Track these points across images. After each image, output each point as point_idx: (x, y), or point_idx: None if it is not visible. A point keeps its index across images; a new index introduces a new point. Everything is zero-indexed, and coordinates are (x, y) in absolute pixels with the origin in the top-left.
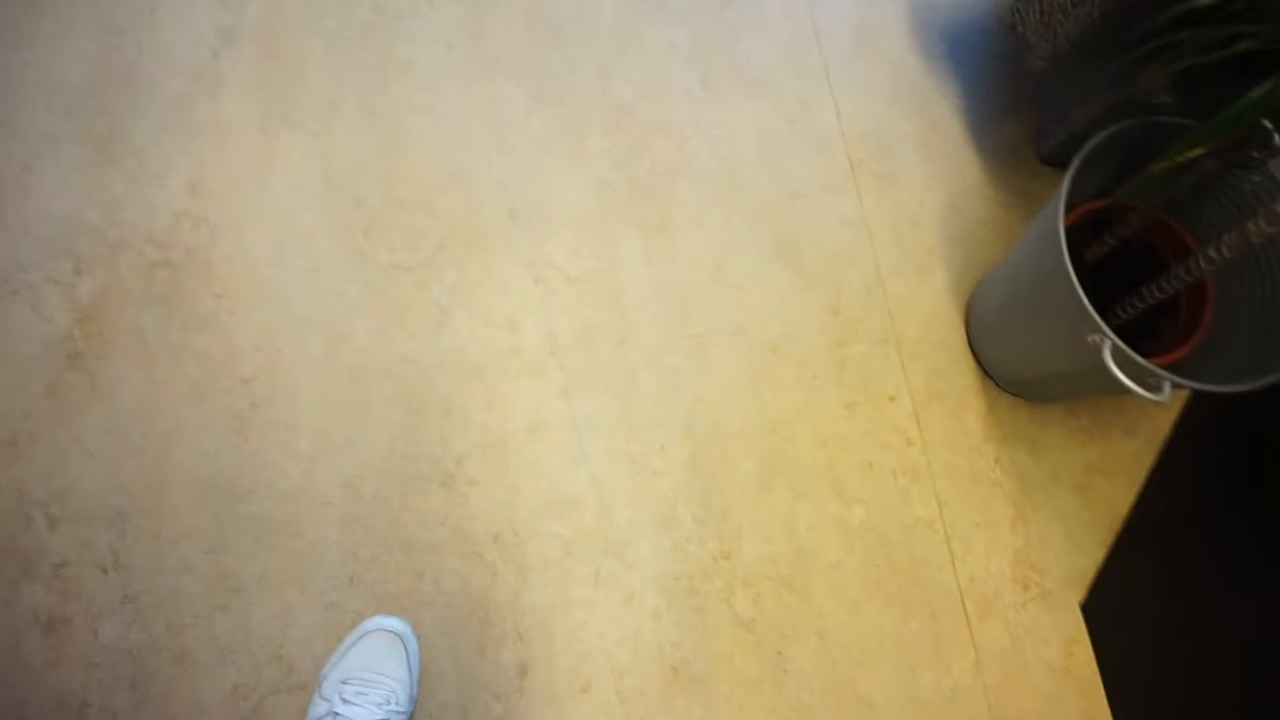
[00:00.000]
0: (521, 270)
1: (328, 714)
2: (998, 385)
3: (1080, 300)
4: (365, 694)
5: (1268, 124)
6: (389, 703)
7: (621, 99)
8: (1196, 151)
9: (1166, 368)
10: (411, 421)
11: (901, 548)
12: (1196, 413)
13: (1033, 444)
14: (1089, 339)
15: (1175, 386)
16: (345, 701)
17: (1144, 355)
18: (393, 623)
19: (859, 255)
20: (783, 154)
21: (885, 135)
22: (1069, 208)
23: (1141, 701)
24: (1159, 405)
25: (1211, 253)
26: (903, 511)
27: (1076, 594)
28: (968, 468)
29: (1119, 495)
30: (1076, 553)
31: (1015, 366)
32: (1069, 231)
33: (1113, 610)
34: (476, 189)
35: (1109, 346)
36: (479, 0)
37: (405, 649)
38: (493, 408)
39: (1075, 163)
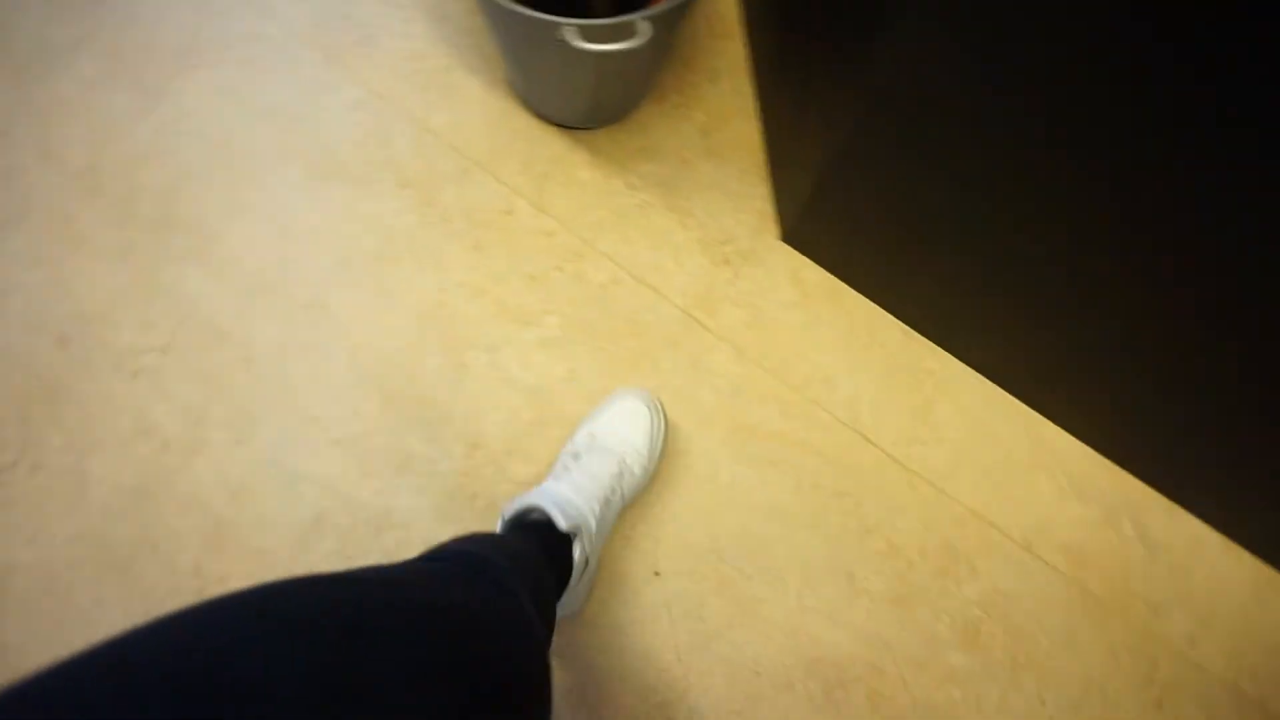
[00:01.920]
0: None
1: (571, 455)
2: (580, 130)
3: (518, 12)
4: (608, 448)
5: None
6: (625, 461)
7: None
8: None
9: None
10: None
11: (613, 319)
12: (753, 25)
13: (646, 150)
14: (567, 41)
15: (650, 20)
16: (590, 450)
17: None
18: (645, 396)
19: (386, 125)
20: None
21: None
22: None
23: (863, 271)
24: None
25: None
26: (589, 291)
27: (772, 234)
28: (612, 211)
29: (743, 132)
30: (747, 202)
31: (573, 107)
32: None
33: (809, 220)
34: None
35: (573, 34)
36: None
37: (651, 420)
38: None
39: None
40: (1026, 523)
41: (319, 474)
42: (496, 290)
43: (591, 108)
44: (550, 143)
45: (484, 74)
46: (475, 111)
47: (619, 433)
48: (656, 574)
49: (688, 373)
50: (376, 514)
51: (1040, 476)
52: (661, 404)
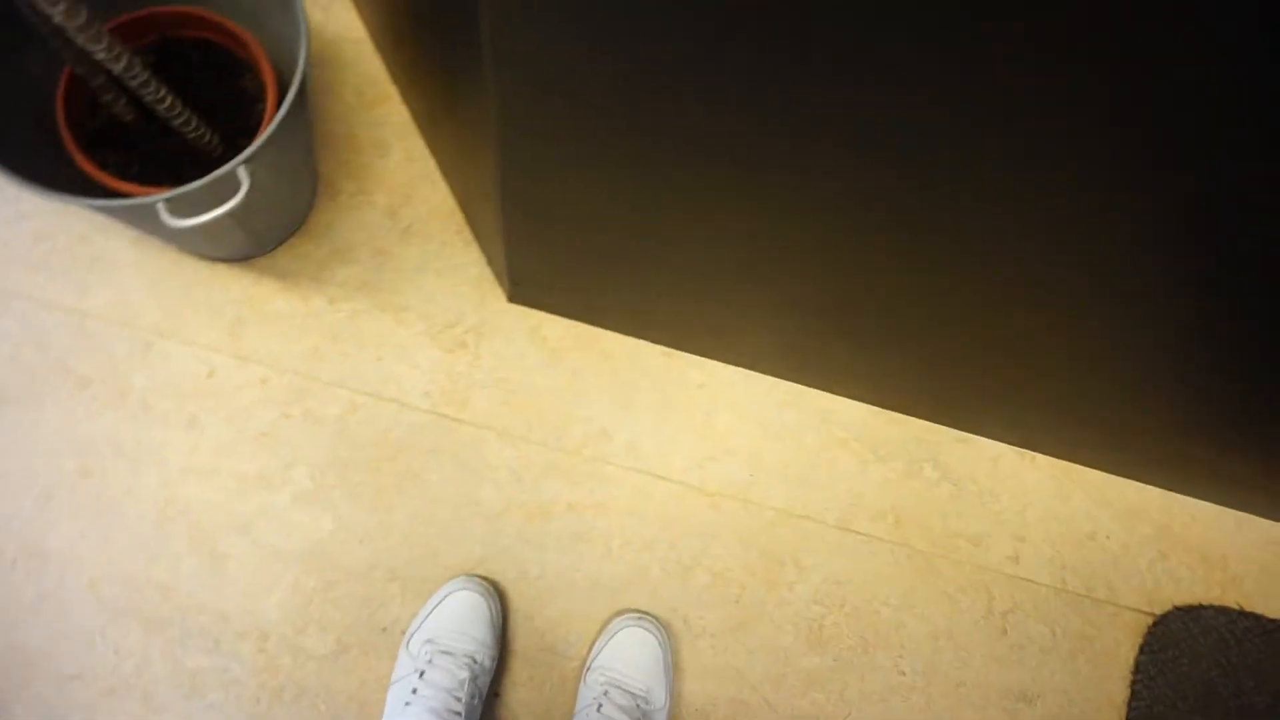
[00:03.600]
0: None
1: (414, 672)
2: (257, 258)
3: (95, 204)
4: (450, 654)
5: None
6: (474, 663)
7: None
8: None
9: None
10: None
11: (363, 449)
12: (401, 79)
13: (337, 254)
14: (161, 219)
15: (251, 164)
16: (430, 662)
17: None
18: (476, 583)
19: (37, 326)
20: None
21: None
22: None
23: (601, 306)
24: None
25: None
26: (327, 427)
27: (499, 298)
28: (322, 334)
29: (433, 200)
30: (462, 274)
31: (230, 247)
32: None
33: (529, 272)
34: None
35: (164, 211)
36: None
37: (488, 605)
38: None
39: None
40: (837, 503)
41: None
42: (228, 463)
43: (251, 241)
44: (229, 284)
45: (126, 231)
46: (133, 277)
47: (458, 630)
48: (496, 695)
49: (460, 477)
50: None
51: (837, 452)
52: (491, 581)
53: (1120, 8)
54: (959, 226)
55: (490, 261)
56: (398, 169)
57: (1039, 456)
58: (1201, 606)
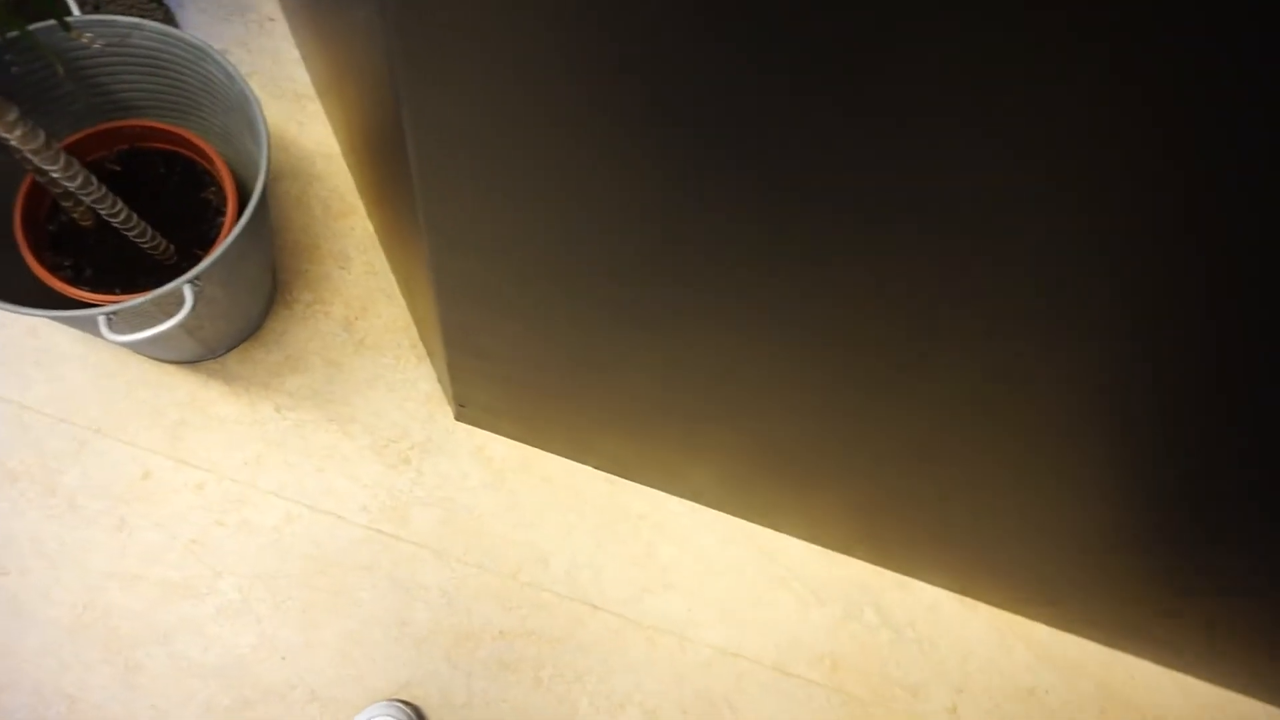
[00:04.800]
0: None
1: None
2: (206, 361)
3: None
4: None
5: None
6: None
7: None
8: None
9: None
10: None
11: (295, 562)
12: (368, 194)
13: (288, 362)
14: (101, 332)
15: (197, 283)
16: None
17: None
18: (397, 709)
19: None
20: None
21: None
22: None
23: (547, 430)
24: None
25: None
26: (261, 538)
27: (446, 416)
28: (266, 442)
29: (389, 314)
30: (411, 390)
31: (180, 351)
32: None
33: (478, 391)
34: None
35: (104, 325)
36: None
37: None
38: None
39: None
40: (775, 643)
41: None
42: (154, 570)
43: (200, 347)
44: (176, 385)
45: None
46: (77, 372)
47: None
48: None
49: (392, 597)
50: None
51: (778, 591)
52: (414, 707)
53: None
54: (899, 380)
55: (441, 380)
56: (357, 281)
57: (980, 605)
58: None
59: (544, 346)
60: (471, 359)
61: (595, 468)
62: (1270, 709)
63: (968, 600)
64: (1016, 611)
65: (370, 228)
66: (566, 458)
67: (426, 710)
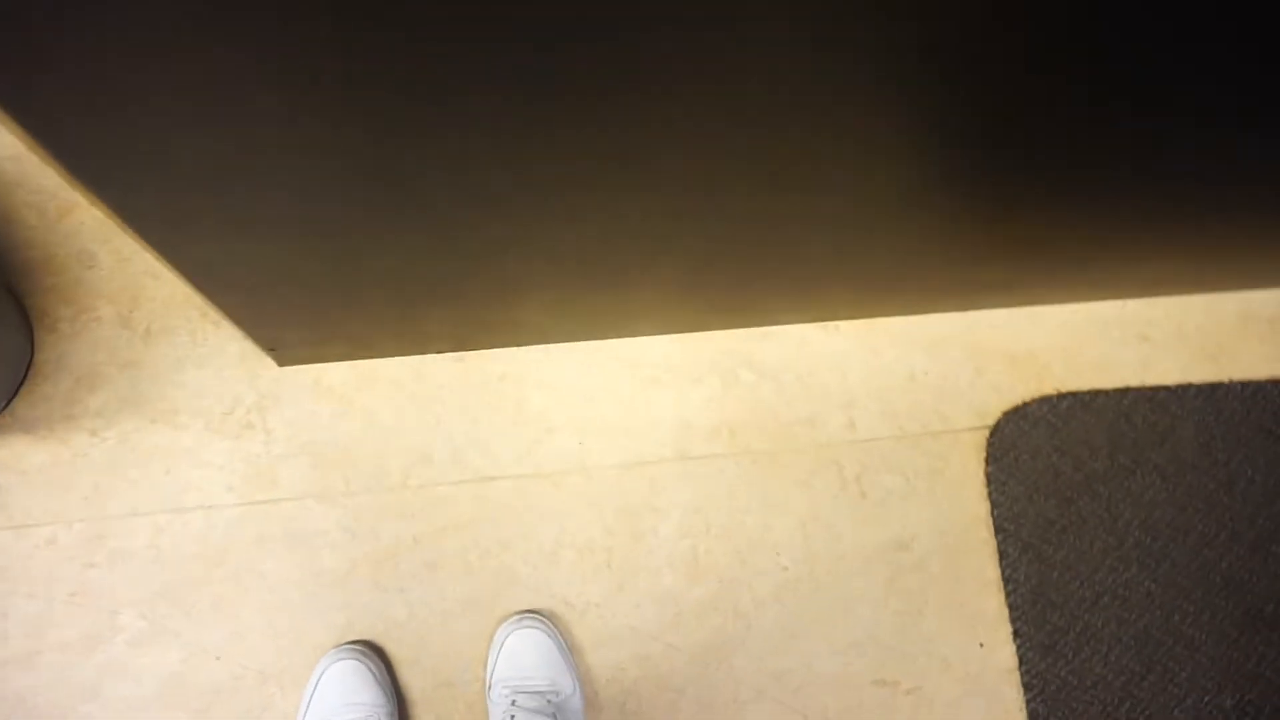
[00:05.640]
0: None
1: None
2: None
3: None
4: None
5: None
6: None
7: None
8: None
9: None
10: None
11: (184, 568)
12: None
13: (82, 383)
14: None
15: None
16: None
17: None
18: (348, 650)
19: None
20: None
21: None
22: None
23: (372, 335)
24: None
25: None
26: (141, 561)
27: (270, 366)
28: (99, 470)
29: (164, 291)
30: (220, 356)
31: None
32: None
33: (287, 327)
34: None
35: None
36: None
37: (371, 670)
38: None
39: None
40: (670, 436)
41: None
42: (48, 637)
43: None
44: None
45: None
46: None
47: (344, 701)
48: None
49: (295, 555)
50: None
51: (653, 390)
52: (364, 642)
53: None
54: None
55: (248, 332)
56: (112, 275)
57: (840, 324)
58: (1025, 404)
59: (313, 259)
60: (254, 300)
61: (437, 353)
62: (1110, 303)
63: (828, 325)
64: (872, 315)
65: (101, 214)
66: (404, 355)
67: (377, 639)
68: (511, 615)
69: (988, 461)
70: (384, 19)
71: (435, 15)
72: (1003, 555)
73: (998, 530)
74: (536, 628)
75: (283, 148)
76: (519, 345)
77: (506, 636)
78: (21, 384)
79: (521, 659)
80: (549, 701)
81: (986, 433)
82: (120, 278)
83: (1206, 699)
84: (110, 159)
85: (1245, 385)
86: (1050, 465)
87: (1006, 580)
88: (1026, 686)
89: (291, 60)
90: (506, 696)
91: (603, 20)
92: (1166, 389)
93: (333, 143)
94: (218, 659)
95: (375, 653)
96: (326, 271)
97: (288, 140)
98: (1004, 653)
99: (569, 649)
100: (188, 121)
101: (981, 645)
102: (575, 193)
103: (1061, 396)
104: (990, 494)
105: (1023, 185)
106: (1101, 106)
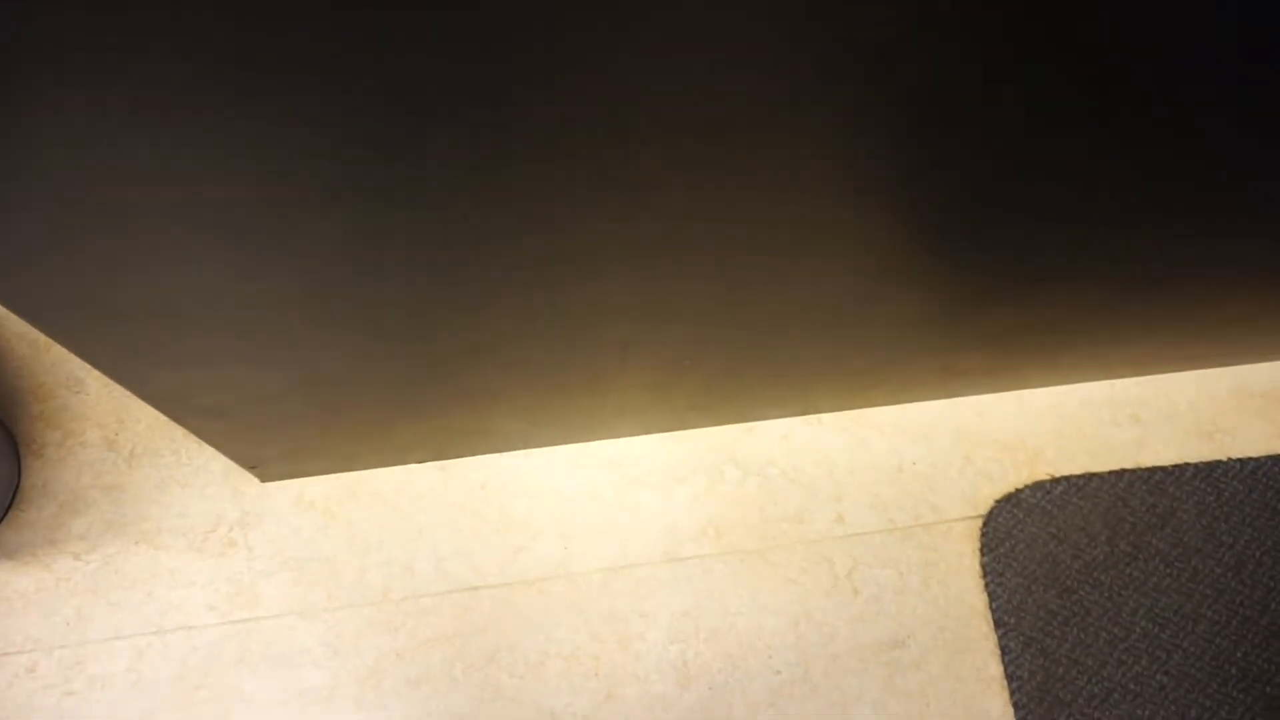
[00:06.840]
0: None
1: None
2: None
3: None
4: None
5: None
6: None
7: None
8: None
9: None
10: None
11: (161, 694)
12: None
13: (66, 507)
14: None
15: None
16: None
17: None
18: None
19: None
20: None
21: None
22: None
23: (355, 448)
24: None
25: None
26: (120, 686)
27: (252, 483)
28: (81, 594)
29: (148, 411)
30: (204, 474)
31: None
32: None
33: (267, 444)
34: None
35: None
36: None
37: None
38: None
39: None
40: (656, 538)
41: None
42: None
43: None
44: None
45: None
46: None
47: None
48: None
49: (278, 674)
50: None
51: (637, 491)
52: None
53: None
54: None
55: (230, 451)
56: (99, 399)
57: (824, 416)
58: (1017, 491)
59: (280, 383)
60: (229, 423)
61: (418, 462)
62: (1099, 384)
63: (810, 418)
64: (856, 406)
65: None
66: (385, 466)
67: None
68: None
69: (982, 552)
70: (350, 137)
71: (394, 131)
72: (1004, 650)
73: (997, 624)
74: None
75: (239, 276)
76: (500, 451)
77: None
78: (7, 511)
79: None
80: None
81: (980, 522)
82: (107, 401)
83: None
84: (58, 302)
85: (1244, 463)
86: (1048, 554)
87: (1010, 678)
88: None
89: (233, 191)
90: None
91: (569, 133)
92: (1163, 470)
93: (287, 267)
94: None
95: None
96: (296, 394)
97: (242, 269)
98: None
99: None
100: (134, 261)
101: None
102: (544, 296)
103: (1055, 481)
104: (987, 585)
105: (1000, 274)
106: (1073, 190)
